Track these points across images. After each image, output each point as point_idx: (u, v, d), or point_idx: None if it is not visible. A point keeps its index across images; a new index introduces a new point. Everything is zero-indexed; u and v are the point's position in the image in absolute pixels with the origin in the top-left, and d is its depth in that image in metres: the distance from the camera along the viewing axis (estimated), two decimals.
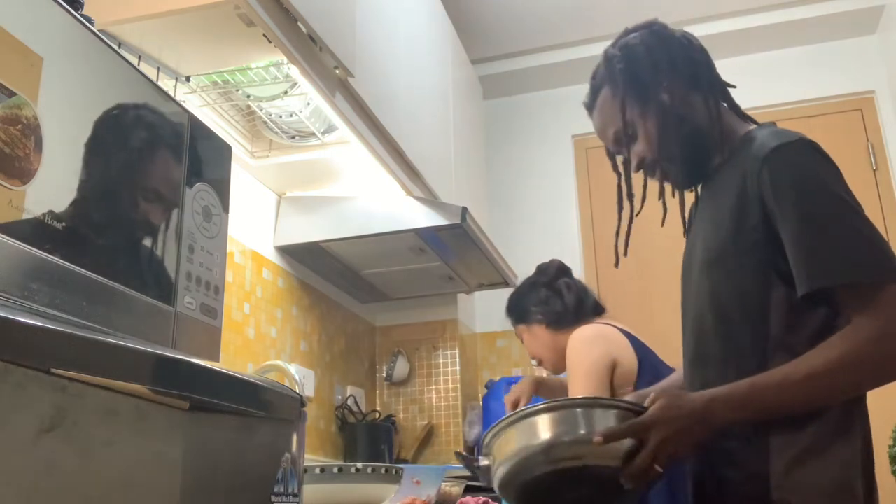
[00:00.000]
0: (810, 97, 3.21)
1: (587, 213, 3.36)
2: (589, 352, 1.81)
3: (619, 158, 1.37)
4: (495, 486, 1.13)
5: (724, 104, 1.30)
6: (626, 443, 1.05)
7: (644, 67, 1.27)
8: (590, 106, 1.37)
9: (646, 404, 1.08)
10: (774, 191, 1.10)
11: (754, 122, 1.31)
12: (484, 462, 1.14)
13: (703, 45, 1.32)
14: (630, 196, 1.35)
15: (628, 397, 1.38)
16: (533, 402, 1.31)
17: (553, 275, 2.06)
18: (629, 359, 1.82)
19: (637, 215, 1.33)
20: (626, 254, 1.35)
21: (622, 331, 1.88)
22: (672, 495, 1.59)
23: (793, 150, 1.12)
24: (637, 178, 1.36)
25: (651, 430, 1.04)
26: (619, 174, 1.37)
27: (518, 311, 2.07)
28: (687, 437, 1.05)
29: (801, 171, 1.11)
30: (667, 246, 1.52)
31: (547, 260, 2.15)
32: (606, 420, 1.06)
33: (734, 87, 1.32)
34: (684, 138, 1.25)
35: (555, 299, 2.00)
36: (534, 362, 2.13)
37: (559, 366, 1.99)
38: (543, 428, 1.07)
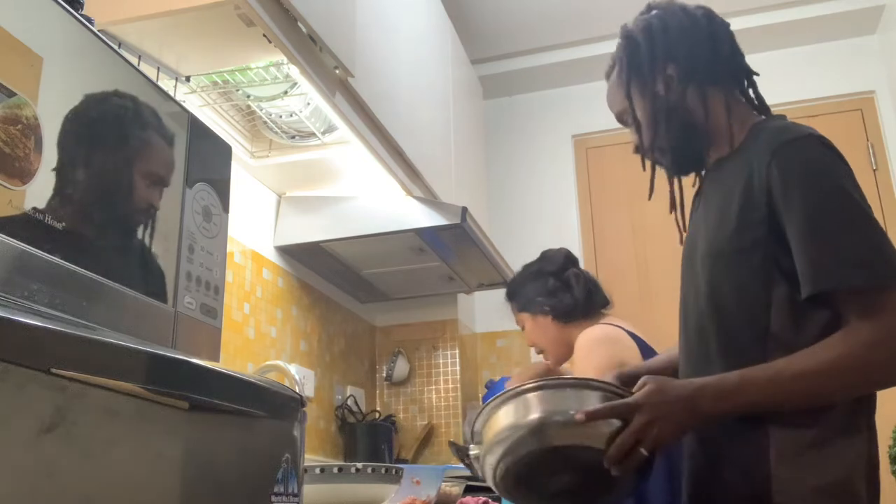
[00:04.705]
0: (810, 97, 3.21)
1: (587, 213, 3.36)
2: (597, 354, 1.80)
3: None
4: (486, 472, 1.12)
5: (739, 93, 1.27)
6: (613, 424, 1.04)
7: (646, 55, 1.25)
8: (607, 76, 1.36)
9: (634, 388, 1.08)
10: (783, 186, 1.08)
11: (768, 112, 1.28)
12: (474, 451, 1.13)
13: (727, 28, 1.27)
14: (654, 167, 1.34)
15: (609, 376, 1.39)
16: None
17: (561, 264, 1.98)
18: (635, 361, 1.81)
19: (650, 199, 1.31)
20: (685, 228, 1.31)
21: (629, 332, 1.87)
22: (672, 493, 1.58)
23: (803, 145, 1.10)
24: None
25: (635, 412, 1.04)
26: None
27: (522, 298, 1.99)
28: (672, 423, 1.04)
29: (811, 168, 1.08)
30: (667, 242, 1.50)
31: None
32: (593, 401, 1.06)
33: (757, 74, 1.28)
34: (675, 131, 1.24)
35: (563, 292, 1.93)
36: (533, 350, 2.10)
37: (562, 358, 1.96)
38: (531, 406, 1.07)
